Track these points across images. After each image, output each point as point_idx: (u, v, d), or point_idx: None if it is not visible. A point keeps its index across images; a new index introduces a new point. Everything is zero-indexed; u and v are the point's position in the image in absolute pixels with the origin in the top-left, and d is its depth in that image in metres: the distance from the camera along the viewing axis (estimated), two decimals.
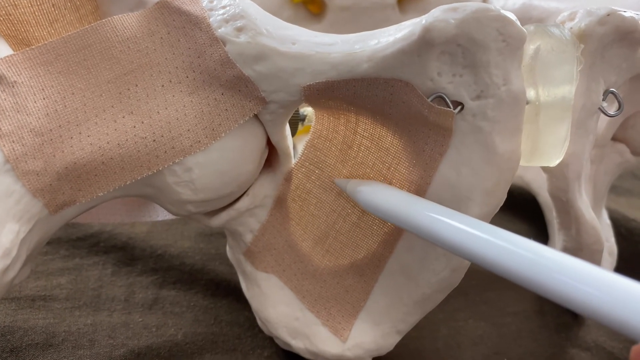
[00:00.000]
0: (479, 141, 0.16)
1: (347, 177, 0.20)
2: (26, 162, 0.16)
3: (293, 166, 0.20)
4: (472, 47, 0.15)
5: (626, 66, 0.18)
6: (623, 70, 0.18)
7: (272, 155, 0.20)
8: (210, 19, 0.17)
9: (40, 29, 0.19)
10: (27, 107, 0.16)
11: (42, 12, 0.18)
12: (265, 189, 0.20)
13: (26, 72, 0.16)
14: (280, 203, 0.20)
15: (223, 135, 0.17)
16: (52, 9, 0.19)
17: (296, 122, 0.22)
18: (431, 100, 0.16)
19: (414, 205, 0.16)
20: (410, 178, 0.18)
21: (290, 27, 0.18)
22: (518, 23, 0.15)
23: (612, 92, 0.18)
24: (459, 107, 0.16)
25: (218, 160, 0.18)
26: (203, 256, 0.24)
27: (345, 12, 0.30)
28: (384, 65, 0.16)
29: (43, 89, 0.16)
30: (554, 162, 0.17)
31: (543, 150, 0.17)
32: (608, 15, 0.16)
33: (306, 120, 0.22)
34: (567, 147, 0.17)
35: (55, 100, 0.16)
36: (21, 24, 0.18)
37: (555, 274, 0.11)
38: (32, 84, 0.16)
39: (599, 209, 0.25)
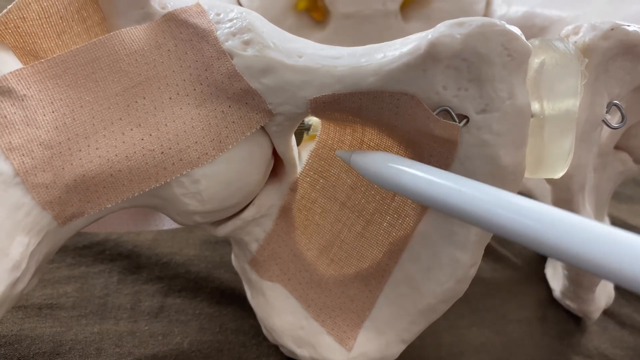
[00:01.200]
0: (483, 154, 0.16)
1: (352, 187, 0.20)
2: (36, 175, 0.16)
3: (298, 176, 0.20)
4: (478, 62, 0.15)
5: (629, 79, 0.18)
6: (626, 82, 0.18)
7: (277, 165, 0.20)
8: (217, 32, 0.17)
9: (48, 41, 0.19)
10: (36, 120, 0.16)
11: (49, 24, 0.18)
12: (270, 199, 0.20)
13: (35, 86, 0.16)
14: (285, 212, 0.21)
15: (230, 147, 0.18)
16: (60, 21, 0.19)
17: (301, 131, 0.22)
18: (437, 114, 0.16)
19: (424, 175, 0.15)
20: None
21: (297, 40, 0.18)
22: (523, 38, 0.16)
23: (616, 105, 0.18)
24: (464, 121, 0.16)
25: (225, 172, 0.18)
26: (208, 264, 0.24)
27: (348, 20, 0.30)
28: (390, 79, 0.16)
29: (52, 102, 0.16)
30: (558, 174, 0.17)
31: (547, 163, 0.17)
32: (612, 29, 0.16)
33: (311, 130, 0.22)
34: (571, 159, 0.17)
35: (64, 113, 0.16)
36: (29, 36, 0.18)
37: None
38: (41, 97, 0.16)
39: (602, 216, 0.25)
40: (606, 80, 0.17)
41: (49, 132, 0.16)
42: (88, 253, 0.24)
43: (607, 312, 0.25)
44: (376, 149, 0.19)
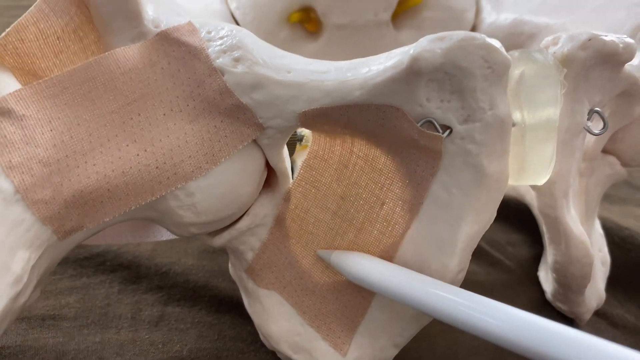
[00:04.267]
0: (467, 163, 0.17)
1: (342, 197, 0.21)
2: (35, 192, 0.16)
3: (291, 186, 0.21)
4: (459, 74, 0.16)
5: (610, 86, 0.19)
6: (607, 90, 0.19)
7: (271, 176, 0.21)
8: (209, 50, 0.18)
9: (46, 61, 0.20)
10: (35, 139, 0.17)
11: (47, 45, 0.19)
12: (265, 209, 0.21)
13: (34, 106, 0.17)
14: (279, 222, 0.21)
15: (223, 160, 0.18)
16: (57, 41, 0.19)
17: (294, 142, 0.23)
18: (421, 125, 0.17)
19: (398, 277, 0.17)
20: (404, 197, 0.19)
21: (286, 56, 0.19)
22: (503, 50, 0.16)
23: (597, 112, 0.18)
24: (448, 131, 0.17)
25: (219, 184, 0.18)
26: (206, 273, 0.25)
27: (341, 31, 0.31)
28: (375, 92, 0.17)
29: (50, 121, 0.17)
30: (541, 181, 0.18)
31: (530, 170, 0.17)
32: (589, 40, 0.17)
33: (304, 141, 0.23)
34: (554, 166, 0.18)
35: (62, 132, 0.17)
36: (28, 57, 0.19)
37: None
38: (39, 116, 0.17)
39: (592, 219, 0.25)
40: (586, 88, 0.18)
41: (47, 150, 0.17)
42: (89, 264, 0.25)
43: (599, 313, 0.25)
44: (365, 159, 0.20)
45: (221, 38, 0.18)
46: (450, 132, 0.17)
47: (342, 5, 0.30)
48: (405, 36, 0.32)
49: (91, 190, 0.17)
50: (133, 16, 0.18)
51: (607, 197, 0.32)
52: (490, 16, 0.30)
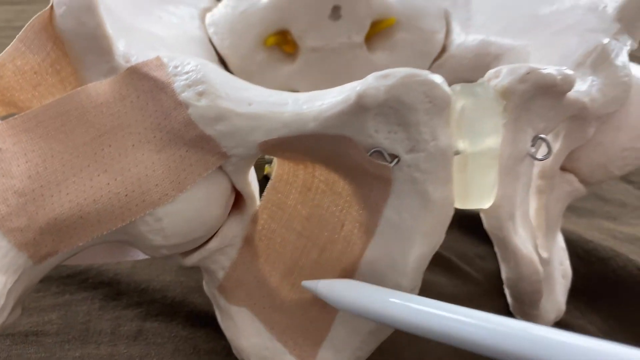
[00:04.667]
0: (414, 190, 0.18)
1: (306, 218, 0.22)
2: (11, 220, 0.18)
3: (258, 208, 0.22)
4: (402, 109, 0.17)
5: (554, 114, 0.20)
6: (551, 117, 0.20)
7: (239, 198, 0.22)
8: (175, 84, 0.19)
9: (24, 93, 0.21)
10: (11, 171, 0.18)
11: (25, 79, 0.20)
12: (233, 230, 0.22)
13: (10, 139, 0.18)
14: (248, 242, 0.22)
15: (189, 187, 0.19)
16: (35, 75, 0.21)
17: (262, 165, 0.24)
18: (371, 154, 0.18)
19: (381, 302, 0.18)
20: (360, 220, 0.20)
21: (249, 88, 0.20)
22: (444, 86, 0.17)
23: (541, 139, 0.19)
24: (396, 160, 0.18)
25: (185, 210, 0.20)
26: (184, 289, 0.26)
27: (316, 53, 0.32)
28: (328, 124, 0.18)
29: (25, 154, 0.18)
30: (486, 205, 0.19)
31: (474, 195, 0.18)
32: (528, 73, 0.18)
33: (272, 163, 0.24)
34: (498, 191, 0.19)
35: (37, 163, 0.18)
36: (7, 90, 0.20)
37: None
38: (15, 149, 0.18)
39: (553, 234, 0.26)
40: (529, 117, 0.19)
41: (22, 181, 0.18)
42: (71, 282, 0.26)
43: (561, 324, 0.27)
44: (326, 182, 0.21)
45: (187, 73, 0.19)
46: (398, 160, 0.18)
47: (316, 28, 0.31)
48: (379, 57, 0.33)
49: (65, 217, 0.18)
50: (104, 52, 0.20)
51: (575, 210, 0.33)
52: (459, 37, 0.32)
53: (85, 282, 0.26)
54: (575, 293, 0.27)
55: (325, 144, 0.19)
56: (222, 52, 0.30)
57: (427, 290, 0.28)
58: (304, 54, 0.32)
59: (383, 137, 0.18)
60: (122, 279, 0.26)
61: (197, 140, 0.19)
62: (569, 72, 0.19)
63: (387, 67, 0.33)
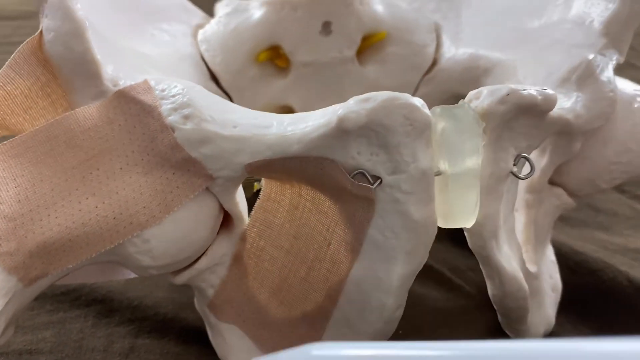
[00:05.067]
0: (397, 210, 0.18)
1: (294, 236, 0.22)
2: (0, 245, 0.18)
3: (246, 227, 0.22)
4: (383, 131, 0.18)
5: (537, 132, 0.20)
6: (534, 135, 0.20)
7: (228, 217, 0.22)
8: (162, 108, 0.19)
9: (15, 117, 0.21)
10: (0, 196, 0.18)
11: (15, 104, 0.21)
12: (222, 248, 0.22)
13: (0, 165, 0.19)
14: (237, 260, 0.23)
15: (176, 209, 0.20)
16: (25, 99, 0.21)
17: (251, 183, 0.24)
18: (354, 175, 0.18)
19: None
20: (346, 239, 0.20)
21: (234, 111, 0.20)
22: (424, 108, 0.18)
23: (524, 157, 0.20)
24: (378, 181, 0.18)
25: (173, 231, 0.20)
26: (175, 306, 0.27)
27: (307, 68, 0.32)
28: (311, 146, 0.18)
29: (15, 179, 0.19)
30: (468, 224, 0.19)
31: (456, 215, 0.19)
32: (508, 94, 0.18)
33: (261, 180, 0.24)
34: (480, 210, 0.19)
35: (26, 188, 0.19)
36: None
37: None
38: (5, 175, 0.19)
39: (543, 248, 0.27)
40: (511, 136, 0.19)
41: (12, 206, 0.18)
42: (65, 299, 0.26)
43: (551, 337, 0.27)
44: (312, 202, 0.21)
45: (173, 96, 0.20)
46: (380, 182, 0.18)
47: (307, 44, 0.31)
48: (370, 71, 0.33)
49: (54, 241, 0.19)
50: (92, 76, 0.20)
51: (567, 220, 0.33)
52: (449, 51, 0.32)
53: (78, 299, 0.26)
54: (566, 305, 0.27)
55: (309, 165, 0.19)
56: (214, 68, 0.31)
57: (420, 304, 0.29)
58: (295, 68, 0.32)
59: (365, 159, 0.18)
60: (115, 296, 0.26)
61: (183, 163, 0.19)
62: (550, 92, 0.19)
63: (378, 80, 0.33)
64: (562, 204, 0.26)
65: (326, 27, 0.31)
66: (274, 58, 0.33)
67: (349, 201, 0.19)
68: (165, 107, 0.19)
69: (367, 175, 0.18)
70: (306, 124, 0.19)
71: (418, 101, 0.18)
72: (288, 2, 0.31)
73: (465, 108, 0.18)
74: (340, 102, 0.33)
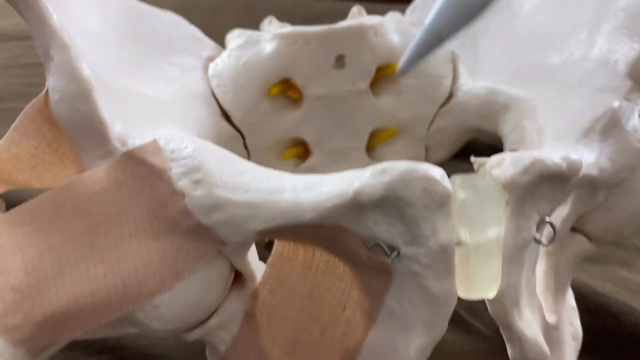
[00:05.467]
0: (415, 282, 0.18)
1: (307, 295, 0.21)
2: (7, 318, 0.18)
3: (258, 284, 0.22)
4: (401, 204, 0.17)
5: (560, 195, 0.19)
6: (557, 198, 0.19)
7: (239, 274, 0.22)
8: (172, 172, 0.19)
9: (22, 174, 0.21)
10: (7, 267, 0.18)
11: (22, 163, 0.20)
12: (234, 305, 0.22)
13: (5, 234, 0.18)
14: (249, 317, 0.22)
15: (186, 276, 0.19)
16: (32, 158, 0.21)
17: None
18: (370, 246, 0.18)
19: None
20: (362, 305, 0.20)
21: (246, 171, 0.19)
22: (443, 180, 0.17)
23: (547, 223, 0.19)
24: (395, 252, 0.18)
25: (183, 297, 0.19)
26: (188, 354, 0.26)
27: (320, 101, 0.31)
28: (326, 215, 0.18)
29: (21, 248, 0.18)
30: (490, 295, 0.18)
31: (477, 286, 0.18)
32: (532, 164, 0.17)
33: None
34: (502, 280, 0.18)
35: (33, 257, 0.18)
36: (5, 174, 0.20)
37: None
38: (10, 244, 0.18)
39: (562, 295, 0.26)
40: (533, 203, 0.18)
41: (18, 276, 0.18)
42: (76, 347, 0.26)
43: None
44: (326, 263, 0.21)
45: (184, 158, 0.19)
46: (398, 253, 0.18)
47: (320, 77, 0.31)
48: (385, 102, 0.32)
49: (61, 311, 0.18)
50: (99, 136, 0.20)
51: (589, 258, 0.32)
52: (466, 83, 0.31)
53: (89, 347, 0.26)
54: (588, 350, 0.26)
55: (323, 233, 0.18)
56: (225, 106, 0.30)
57: (435, 350, 0.28)
58: (308, 101, 0.32)
59: (382, 229, 0.18)
60: (126, 344, 0.26)
61: (194, 229, 0.19)
62: (575, 158, 0.18)
63: (393, 112, 0.33)
64: (583, 250, 0.26)
65: (339, 61, 0.31)
66: (287, 90, 0.32)
67: (365, 269, 0.19)
68: (175, 170, 0.19)
69: (383, 246, 0.18)
70: (320, 191, 0.18)
71: (437, 172, 0.17)
72: (301, 36, 0.30)
73: (486, 178, 0.17)
74: (354, 135, 0.33)
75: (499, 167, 0.18)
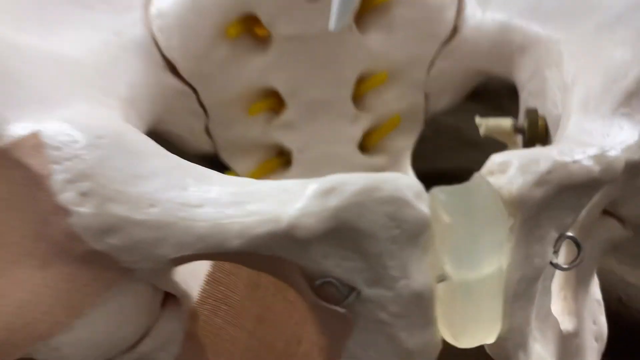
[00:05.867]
0: (383, 332, 0.13)
1: (257, 319, 0.17)
2: None
3: (195, 302, 0.17)
4: (357, 237, 0.12)
5: (587, 200, 0.14)
6: (583, 204, 0.14)
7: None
8: (53, 178, 0.14)
9: None
10: None
11: None
12: (171, 324, 0.17)
13: None
14: (191, 337, 0.18)
15: (87, 311, 0.15)
16: None
17: None
18: (320, 284, 0.13)
19: None
20: (320, 344, 0.15)
21: (154, 175, 0.14)
22: (419, 203, 0.12)
23: (569, 238, 0.14)
24: (355, 293, 0.13)
25: (89, 335, 0.15)
26: None
27: (293, 41, 0.25)
28: (258, 243, 0.13)
29: None
30: (489, 341, 0.14)
31: (469, 333, 0.13)
32: (549, 172, 0.12)
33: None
34: (504, 322, 0.13)
35: None
36: None
37: None
38: None
39: (585, 288, 0.21)
40: (551, 217, 0.13)
41: None
42: None
43: None
44: (275, 285, 0.16)
45: (69, 160, 0.14)
46: (359, 294, 0.13)
47: (289, 13, 0.25)
48: (373, 40, 0.26)
49: None
50: None
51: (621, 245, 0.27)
52: (474, 15, 0.25)
53: None
54: (613, 352, 0.22)
55: (258, 262, 0.14)
56: (170, 54, 0.24)
57: None
58: (277, 42, 0.26)
59: (334, 264, 0.12)
60: None
61: (86, 256, 0.14)
62: (615, 154, 0.13)
63: (383, 52, 0.26)
64: (613, 238, 0.20)
65: None
66: (249, 29, 0.26)
67: (320, 308, 0.14)
68: (57, 177, 0.14)
69: (337, 285, 0.13)
70: (248, 210, 0.13)
71: (410, 189, 0.12)
72: None
73: (482, 191, 0.12)
74: (336, 81, 0.27)
75: (501, 174, 0.12)
